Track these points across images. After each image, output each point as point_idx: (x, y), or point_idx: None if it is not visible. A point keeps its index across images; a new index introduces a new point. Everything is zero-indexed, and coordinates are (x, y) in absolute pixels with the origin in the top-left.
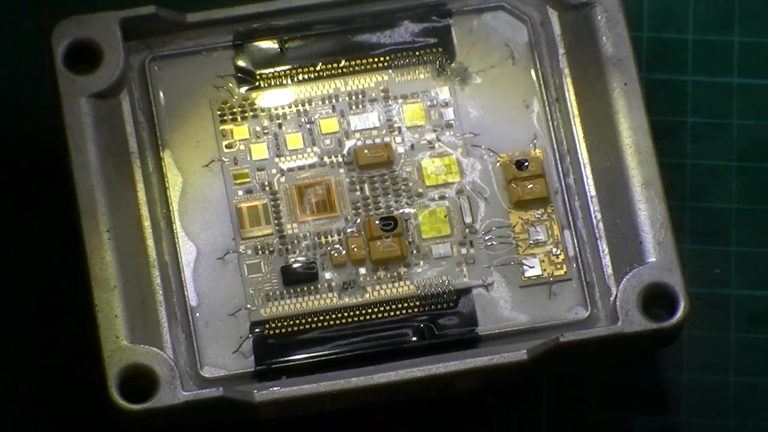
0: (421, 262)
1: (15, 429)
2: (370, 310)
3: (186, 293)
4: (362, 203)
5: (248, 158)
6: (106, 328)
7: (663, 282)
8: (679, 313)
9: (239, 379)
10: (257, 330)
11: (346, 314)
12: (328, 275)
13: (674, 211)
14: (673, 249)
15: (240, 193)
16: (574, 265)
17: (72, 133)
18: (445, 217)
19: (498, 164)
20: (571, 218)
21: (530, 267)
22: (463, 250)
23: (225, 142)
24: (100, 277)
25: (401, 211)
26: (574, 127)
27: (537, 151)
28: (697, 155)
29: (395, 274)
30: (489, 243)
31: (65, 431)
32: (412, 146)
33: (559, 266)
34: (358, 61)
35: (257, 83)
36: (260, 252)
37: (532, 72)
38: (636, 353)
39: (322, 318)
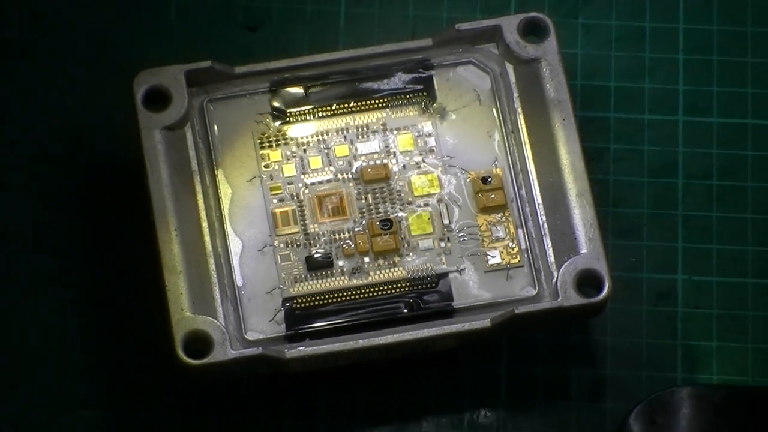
0: (411, 253)
1: (104, 381)
2: (372, 289)
3: (234, 276)
4: (366, 209)
5: (281, 175)
6: (173, 303)
7: (592, 268)
8: (605, 291)
9: (274, 341)
10: (287, 304)
11: (354, 292)
12: (341, 263)
13: (600, 214)
14: (600, 243)
15: (275, 201)
16: (526, 256)
17: (148, 156)
18: (429, 219)
19: (468, 180)
20: (523, 220)
21: (492, 257)
22: (442, 244)
23: (263, 163)
24: (169, 265)
25: (396, 214)
26: (525, 152)
27: (497, 170)
28: (618, 173)
29: (391, 262)
30: (461, 239)
31: (142, 383)
32: (404, 166)
33: (514, 256)
34: (364, 102)
35: (288, 119)
36: (290, 245)
37: (494, 110)
38: (572, 321)
39: (336, 295)
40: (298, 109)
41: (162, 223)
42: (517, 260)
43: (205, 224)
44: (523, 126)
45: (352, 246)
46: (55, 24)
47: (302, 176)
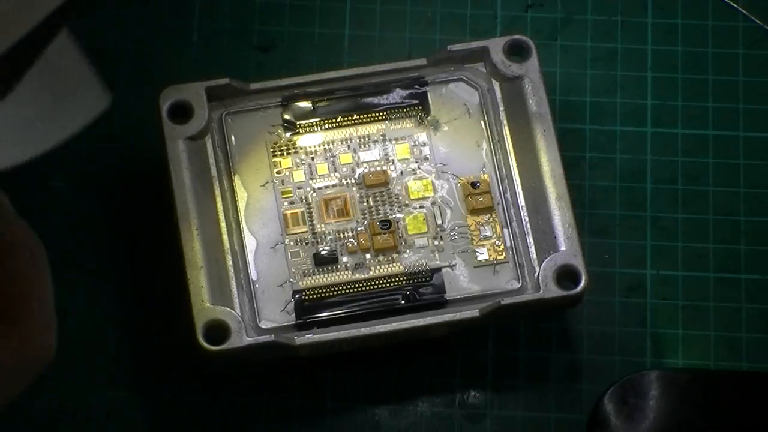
0: (408, 250)
1: (133, 364)
2: (373, 283)
3: (249, 271)
4: (368, 211)
5: (291, 180)
6: (195, 295)
7: (570, 263)
8: (581, 284)
9: (285, 329)
10: (297, 296)
11: (357, 285)
12: (345, 259)
13: (577, 215)
14: (577, 241)
15: (286, 203)
16: (511, 252)
17: (173, 163)
18: (424, 220)
19: (459, 184)
20: (508, 221)
21: (481, 254)
22: (436, 242)
23: (276, 170)
24: (191, 261)
25: (394, 216)
26: (510, 159)
27: (485, 175)
28: (593, 178)
29: (390, 258)
30: (453, 237)
31: (167, 366)
32: (401, 172)
33: (500, 253)
34: (365, 115)
35: (297, 130)
36: (299, 243)
37: (482, 123)
38: (552, 311)
39: (340, 288)
40: (307, 121)
41: (185, 223)
42: (502, 256)
43: (223, 224)
44: (508, 136)
45: (355, 244)
46: (95, 47)
47: (310, 181)
